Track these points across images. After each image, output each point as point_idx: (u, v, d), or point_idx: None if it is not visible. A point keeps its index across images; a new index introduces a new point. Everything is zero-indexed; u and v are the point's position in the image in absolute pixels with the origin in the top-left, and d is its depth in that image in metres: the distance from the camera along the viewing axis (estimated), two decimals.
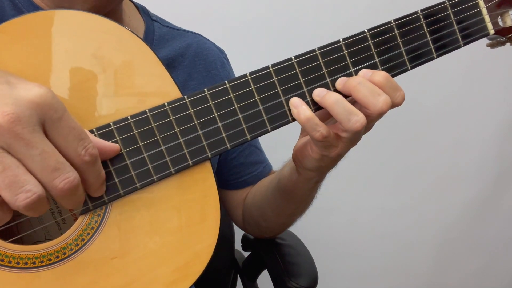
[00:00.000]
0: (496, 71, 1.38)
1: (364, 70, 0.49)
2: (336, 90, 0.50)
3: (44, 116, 0.36)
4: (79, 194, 0.39)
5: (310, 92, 0.49)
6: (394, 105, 0.48)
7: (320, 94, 0.49)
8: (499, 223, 1.56)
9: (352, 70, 0.50)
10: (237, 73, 0.79)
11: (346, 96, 0.48)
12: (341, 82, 0.49)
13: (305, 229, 0.90)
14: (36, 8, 0.58)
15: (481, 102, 1.41)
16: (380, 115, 0.48)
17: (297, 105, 0.48)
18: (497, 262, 1.61)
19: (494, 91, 1.41)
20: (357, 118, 0.46)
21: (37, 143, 0.35)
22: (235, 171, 0.78)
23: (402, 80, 0.51)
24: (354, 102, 0.48)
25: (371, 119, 0.48)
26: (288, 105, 0.49)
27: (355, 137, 0.49)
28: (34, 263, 0.43)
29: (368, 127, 0.51)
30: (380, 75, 0.48)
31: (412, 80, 1.21)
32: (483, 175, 1.50)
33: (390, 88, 0.48)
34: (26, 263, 0.43)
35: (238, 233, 0.94)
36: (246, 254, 0.96)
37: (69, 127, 0.37)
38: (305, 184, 0.60)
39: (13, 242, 0.43)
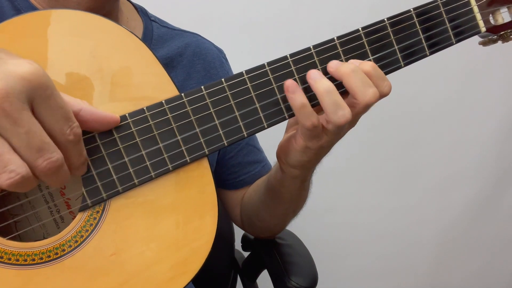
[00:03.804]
0: (496, 71, 1.38)
1: (352, 61, 0.49)
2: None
3: (33, 93, 0.35)
4: (62, 173, 0.39)
5: (305, 89, 0.49)
6: (382, 95, 0.49)
7: (315, 77, 0.48)
8: (499, 223, 1.55)
9: None
10: (236, 73, 0.79)
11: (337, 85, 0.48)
12: (333, 66, 0.49)
13: (305, 229, 0.91)
14: (34, 9, 0.58)
15: (481, 102, 1.41)
16: (366, 107, 0.48)
17: (294, 90, 0.48)
18: (497, 262, 1.60)
19: (494, 91, 1.41)
20: (343, 113, 0.47)
21: (24, 122, 0.35)
22: (232, 170, 0.78)
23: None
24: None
25: (357, 111, 0.48)
26: (284, 102, 0.49)
27: (338, 131, 0.49)
28: (33, 260, 0.44)
29: (353, 121, 0.51)
30: (368, 64, 0.48)
31: (412, 81, 1.21)
32: (483, 175, 1.50)
33: (378, 77, 0.48)
34: (25, 260, 0.43)
35: (238, 233, 0.95)
36: (246, 254, 0.96)
37: (57, 106, 0.37)
38: (291, 183, 0.60)
39: (12, 239, 0.44)
